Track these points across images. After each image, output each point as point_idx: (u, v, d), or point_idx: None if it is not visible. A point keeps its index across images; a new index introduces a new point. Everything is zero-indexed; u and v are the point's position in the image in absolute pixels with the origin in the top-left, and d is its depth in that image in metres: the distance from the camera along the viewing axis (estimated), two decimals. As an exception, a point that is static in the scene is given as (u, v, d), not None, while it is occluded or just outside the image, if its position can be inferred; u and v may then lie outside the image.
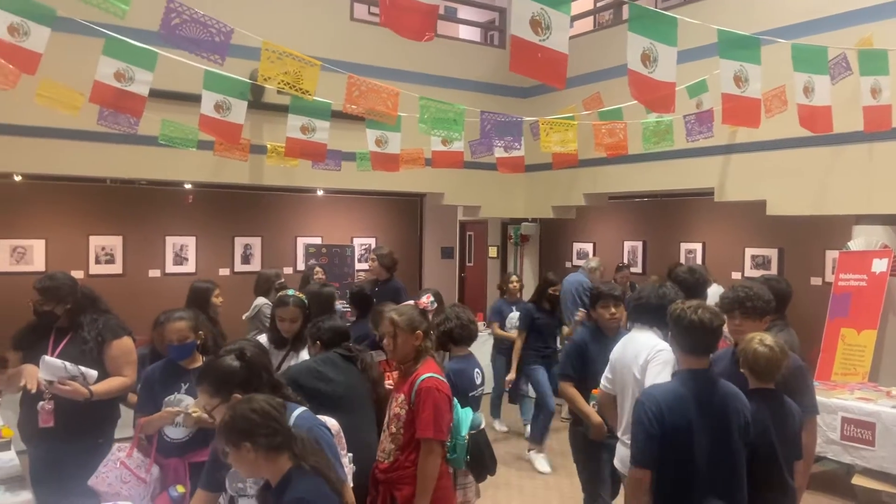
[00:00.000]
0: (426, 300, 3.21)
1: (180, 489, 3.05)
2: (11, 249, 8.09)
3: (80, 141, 6.67)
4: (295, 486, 2.15)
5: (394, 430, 3.09)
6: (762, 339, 2.92)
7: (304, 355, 3.79)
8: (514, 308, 7.28)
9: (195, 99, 5.99)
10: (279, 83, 3.66)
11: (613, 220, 10.44)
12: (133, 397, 4.02)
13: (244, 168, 7.49)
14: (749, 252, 8.79)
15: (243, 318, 6.41)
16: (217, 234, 9.31)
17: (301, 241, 9.82)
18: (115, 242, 8.67)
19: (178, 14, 3.23)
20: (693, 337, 2.80)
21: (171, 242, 9.03)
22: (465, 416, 3.33)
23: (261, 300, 6.28)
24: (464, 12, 10.79)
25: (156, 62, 4.36)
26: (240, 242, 9.48)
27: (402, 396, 3.09)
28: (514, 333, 6.93)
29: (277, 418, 2.22)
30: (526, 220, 10.00)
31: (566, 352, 4.17)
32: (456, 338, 3.75)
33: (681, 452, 2.71)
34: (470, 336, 3.77)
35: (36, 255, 8.20)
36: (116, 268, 8.64)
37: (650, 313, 3.46)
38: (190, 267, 9.12)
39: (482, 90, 8.91)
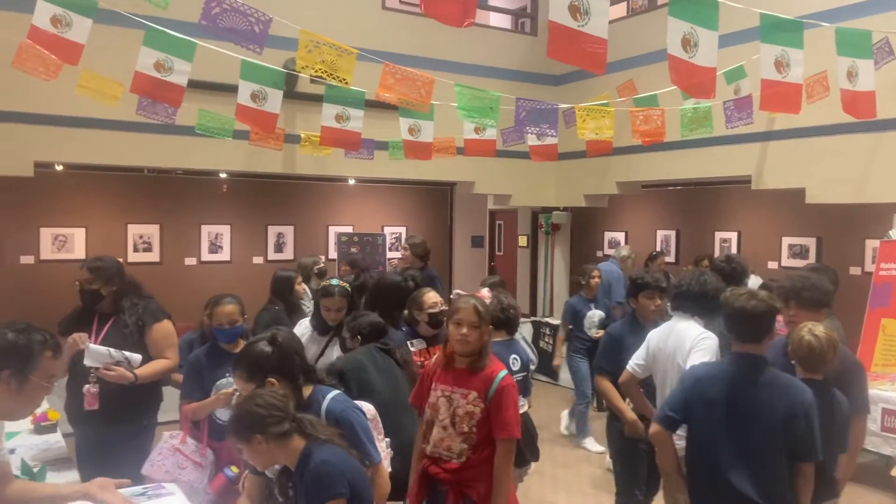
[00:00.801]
0: (487, 293, 3.15)
1: (235, 469, 3.11)
2: (53, 238, 8.29)
3: (119, 131, 6.78)
4: (316, 456, 2.22)
5: (466, 429, 2.93)
6: (812, 329, 2.90)
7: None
8: (592, 306, 6.66)
9: (231, 89, 6.05)
10: (316, 71, 3.68)
11: (646, 209, 10.32)
12: (178, 377, 4.12)
13: (278, 157, 7.56)
14: (786, 241, 8.64)
15: None
16: (251, 223, 9.43)
17: (333, 230, 9.90)
18: (152, 231, 8.83)
19: (219, 3, 3.27)
20: (738, 323, 2.83)
21: (207, 231, 9.17)
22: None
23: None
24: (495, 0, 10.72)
25: (194, 53, 4.42)
26: (273, 231, 9.59)
27: (473, 394, 2.95)
28: (598, 333, 6.30)
29: (282, 406, 2.28)
30: (557, 208, 9.94)
31: (602, 345, 4.08)
32: (496, 323, 3.73)
33: (703, 425, 2.80)
34: (509, 322, 3.73)
35: (77, 243, 8.40)
36: (154, 256, 8.80)
37: (692, 301, 3.44)
38: (225, 255, 9.27)
39: (513, 78, 8.86)
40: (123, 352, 3.39)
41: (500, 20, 10.84)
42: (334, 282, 4.02)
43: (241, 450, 2.25)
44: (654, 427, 2.94)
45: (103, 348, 3.37)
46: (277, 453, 2.25)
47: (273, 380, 2.43)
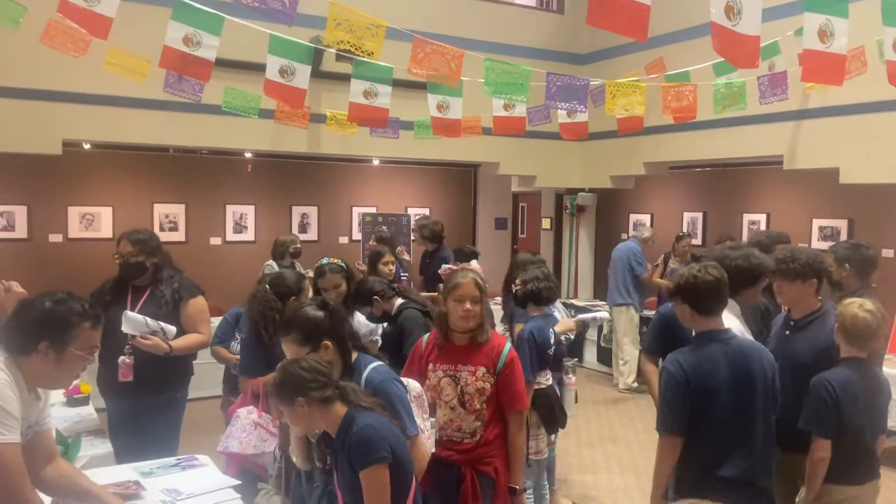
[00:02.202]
0: (478, 266, 3.11)
1: None
2: (81, 216, 8.37)
3: (146, 109, 6.80)
4: (359, 420, 2.22)
5: (477, 406, 2.90)
6: (862, 304, 2.82)
7: (358, 317, 3.81)
8: None
9: (257, 67, 6.03)
10: (345, 45, 3.63)
11: (672, 191, 10.18)
12: (223, 351, 4.14)
13: (302, 137, 7.54)
14: (817, 223, 8.47)
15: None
16: (275, 204, 9.44)
17: (356, 211, 9.89)
18: (177, 210, 8.88)
19: (248, -27, 3.23)
20: (705, 298, 2.74)
21: (231, 211, 9.20)
22: None
23: (268, 264, 6.45)
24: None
25: (222, 27, 4.39)
26: (297, 211, 9.60)
27: (482, 369, 2.91)
28: None
29: (326, 372, 2.28)
30: (582, 190, 9.84)
31: (652, 324, 3.87)
32: (542, 297, 3.78)
33: (705, 411, 2.67)
34: (552, 297, 3.81)
35: (104, 222, 8.47)
36: (179, 235, 8.85)
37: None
38: (249, 235, 9.30)
39: (539, 56, 8.72)
40: (160, 322, 3.41)
41: (526, -1, 10.70)
42: (325, 260, 3.92)
43: (283, 412, 2.24)
44: (671, 438, 2.70)
45: (140, 317, 3.40)
46: (318, 418, 2.24)
47: (328, 343, 2.43)
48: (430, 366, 2.99)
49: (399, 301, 3.99)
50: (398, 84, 5.04)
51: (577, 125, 5.54)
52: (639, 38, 2.84)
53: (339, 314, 2.61)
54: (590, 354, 8.71)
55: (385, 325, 3.86)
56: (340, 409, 2.25)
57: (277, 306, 3.49)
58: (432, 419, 2.89)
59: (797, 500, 2.89)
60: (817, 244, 8.36)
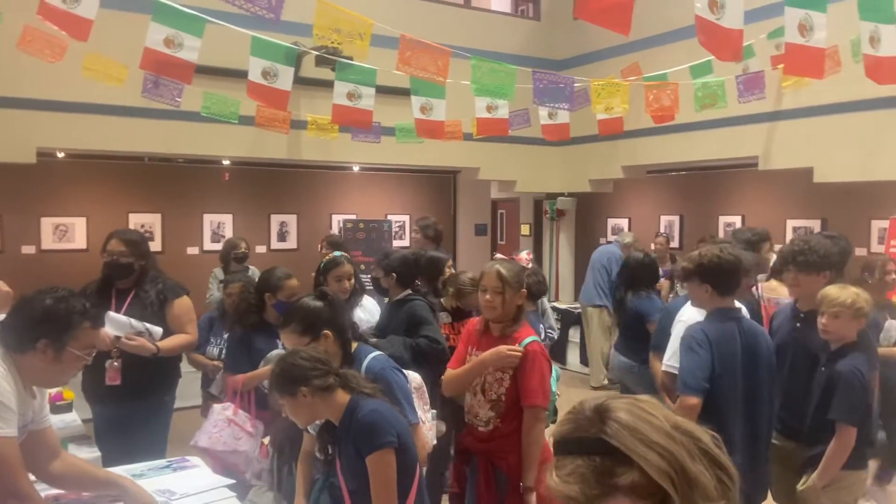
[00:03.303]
0: (526, 256, 3.04)
1: None
2: (54, 227, 8.21)
3: (123, 117, 6.72)
4: (363, 406, 2.20)
5: (494, 396, 2.88)
6: (844, 286, 2.89)
7: (367, 303, 3.83)
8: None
9: (235, 74, 6.02)
10: (333, 42, 3.63)
11: (650, 195, 10.31)
12: (199, 357, 4.10)
13: (282, 143, 7.50)
14: (791, 224, 8.62)
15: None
16: (254, 212, 9.36)
17: (336, 219, 9.84)
18: (153, 220, 8.75)
19: (235, -29, 3.21)
20: (726, 277, 2.84)
21: (209, 220, 9.09)
22: (556, 372, 3.30)
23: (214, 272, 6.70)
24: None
25: (203, 29, 4.36)
26: (276, 220, 9.52)
27: None
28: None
29: (326, 360, 2.27)
30: (562, 194, 9.91)
31: (661, 323, 3.86)
32: (534, 293, 3.78)
33: (717, 386, 2.74)
34: (542, 291, 3.82)
35: (78, 233, 8.31)
36: (156, 245, 8.70)
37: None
38: (227, 244, 9.18)
39: (516, 62, 8.60)
40: (145, 323, 3.35)
41: (501, 5, 10.79)
42: (337, 253, 4.05)
43: (285, 405, 2.22)
44: (693, 400, 2.73)
45: (124, 318, 3.34)
46: (322, 407, 2.22)
47: (329, 332, 2.41)
48: (470, 348, 3.01)
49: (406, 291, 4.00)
50: (379, 90, 5.06)
51: (559, 126, 5.59)
52: (622, 32, 2.88)
53: (338, 304, 2.60)
54: (573, 356, 8.75)
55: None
56: (343, 396, 2.23)
57: (252, 299, 3.56)
58: (433, 411, 2.89)
59: (799, 487, 2.91)
60: (792, 244, 8.52)
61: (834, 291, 2.88)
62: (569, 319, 8.71)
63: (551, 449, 3.02)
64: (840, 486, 2.85)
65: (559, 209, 9.97)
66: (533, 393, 2.83)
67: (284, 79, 4.60)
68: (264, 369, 3.30)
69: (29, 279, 7.72)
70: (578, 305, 8.58)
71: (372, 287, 4.27)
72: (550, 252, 10.42)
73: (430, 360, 3.54)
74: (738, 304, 3.03)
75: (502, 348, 2.81)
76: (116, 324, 3.30)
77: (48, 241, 8.18)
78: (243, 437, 3.25)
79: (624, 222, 10.47)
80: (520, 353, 2.80)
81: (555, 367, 3.56)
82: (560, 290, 10.22)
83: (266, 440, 3.13)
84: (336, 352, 2.46)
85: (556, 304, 9.06)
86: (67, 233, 8.29)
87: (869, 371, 2.84)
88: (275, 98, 4.58)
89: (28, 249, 8.12)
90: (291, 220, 9.62)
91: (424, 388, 2.81)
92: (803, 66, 3.53)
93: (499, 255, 3.14)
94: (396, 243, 9.63)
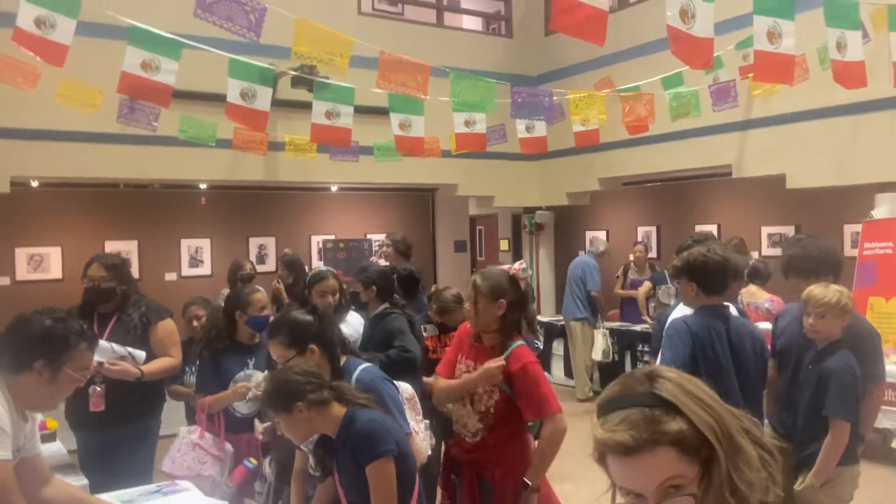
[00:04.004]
0: (518, 266, 2.83)
1: (254, 461, 3.08)
2: (28, 258, 8.09)
3: (98, 143, 6.67)
4: (360, 417, 2.19)
5: (483, 408, 2.79)
6: (827, 286, 2.94)
7: (351, 318, 3.83)
8: None
9: (210, 98, 6.02)
10: (311, 60, 3.65)
11: (626, 207, 10.43)
12: (180, 388, 4.03)
13: (259, 165, 7.49)
14: (765, 230, 8.78)
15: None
16: (232, 236, 9.31)
17: (315, 239, 9.81)
18: (130, 247, 8.65)
19: (213, -9, 3.23)
20: (704, 276, 2.89)
21: (187, 245, 9.03)
22: None
23: (222, 292, 6.45)
24: (468, 2, 10.82)
25: (181, 52, 4.36)
26: (254, 243, 9.48)
27: None
28: None
29: (318, 374, 2.27)
30: (540, 208, 10.00)
31: (655, 332, 3.82)
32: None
33: (711, 372, 2.76)
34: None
35: (52, 263, 8.20)
36: (133, 272, 8.55)
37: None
38: (206, 269, 9.12)
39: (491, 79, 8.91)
40: (127, 348, 3.31)
41: (472, 23, 10.92)
42: (323, 268, 4.06)
43: (280, 422, 2.20)
44: None
45: (107, 343, 3.29)
46: (318, 421, 2.20)
47: (314, 347, 2.40)
48: (460, 356, 2.95)
49: (383, 305, 4.00)
50: (357, 110, 5.08)
51: (537, 140, 5.65)
52: (598, 42, 2.94)
53: (326, 318, 2.60)
54: (557, 369, 8.77)
55: None
56: (339, 409, 2.22)
57: (220, 323, 3.54)
58: (426, 421, 2.86)
59: (796, 487, 2.93)
60: (767, 251, 8.66)
61: (818, 291, 2.92)
62: (552, 332, 8.75)
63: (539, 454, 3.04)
64: (836, 482, 2.88)
65: (538, 223, 10.04)
66: (547, 403, 2.70)
67: (263, 99, 4.60)
68: (231, 391, 3.28)
69: (4, 311, 7.62)
70: (561, 318, 8.64)
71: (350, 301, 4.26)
72: (531, 266, 10.48)
73: (401, 369, 3.50)
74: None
75: (489, 367, 2.74)
76: (99, 350, 3.25)
77: (23, 272, 8.06)
78: (209, 462, 3.20)
79: (602, 234, 10.57)
80: (502, 364, 2.71)
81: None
82: (542, 302, 10.27)
83: (252, 461, 3.09)
84: (324, 366, 2.44)
85: (539, 318, 9.09)
86: (42, 263, 8.17)
87: (858, 366, 2.88)
88: (253, 119, 4.59)
89: (2, 281, 7.99)
90: (270, 242, 9.58)
91: (416, 399, 2.80)
92: (773, 73, 3.62)
93: (504, 267, 2.96)
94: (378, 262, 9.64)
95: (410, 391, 2.80)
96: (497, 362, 2.71)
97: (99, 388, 3.30)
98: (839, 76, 3.81)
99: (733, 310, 3.12)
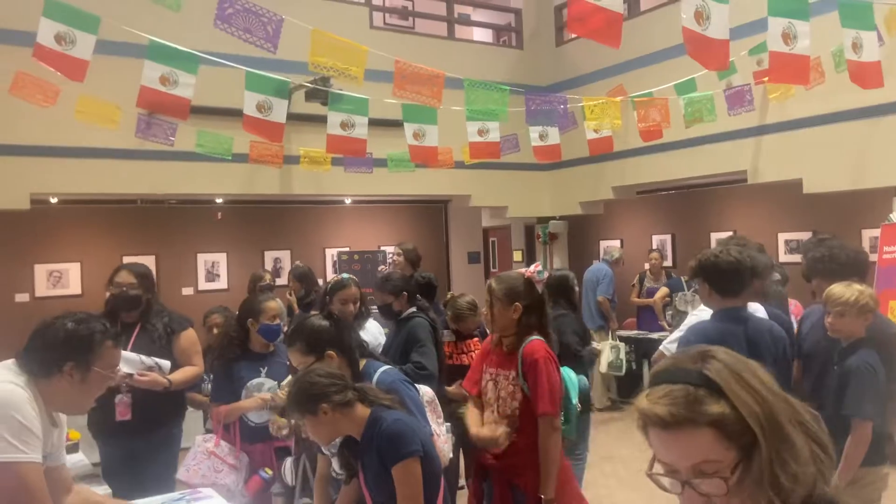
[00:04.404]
0: (534, 269, 2.84)
1: (269, 471, 3.08)
2: (48, 274, 8.16)
3: (116, 159, 6.75)
4: (386, 418, 2.19)
5: (508, 411, 2.78)
6: (849, 284, 2.91)
7: (370, 326, 3.84)
8: None
9: (227, 113, 6.09)
10: (328, 70, 3.70)
11: (641, 215, 10.39)
12: (197, 396, 4.05)
13: (275, 179, 7.55)
14: (782, 237, 8.71)
15: None
16: (247, 250, 9.36)
17: (329, 252, 9.85)
18: (148, 262, 8.56)
19: (231, 4, 3.28)
20: (718, 278, 2.86)
21: (203, 259, 9.08)
22: (574, 381, 3.19)
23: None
24: (478, 15, 10.90)
25: (198, 66, 4.43)
26: (270, 256, 9.52)
27: (513, 373, 2.79)
28: None
29: (341, 375, 2.27)
30: (553, 218, 9.99)
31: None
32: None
33: None
34: None
35: (72, 279, 8.27)
36: (151, 287, 8.67)
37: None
38: (222, 283, 9.17)
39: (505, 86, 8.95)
40: (153, 358, 3.35)
41: (482, 35, 10.99)
42: (345, 275, 4.06)
43: (306, 424, 2.20)
44: None
45: (134, 355, 3.34)
46: (343, 423, 2.20)
47: (332, 353, 2.40)
48: (484, 367, 2.94)
49: (411, 309, 4.02)
50: (371, 122, 5.14)
51: (550, 147, 5.66)
52: (613, 45, 2.96)
53: (343, 324, 2.61)
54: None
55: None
56: (363, 410, 2.22)
57: (233, 331, 3.56)
58: (448, 424, 2.85)
59: None
60: (784, 258, 8.59)
61: (838, 290, 2.91)
62: (568, 342, 8.69)
63: (569, 463, 3.00)
64: (862, 483, 2.84)
65: (551, 233, 10.03)
66: (540, 401, 2.69)
67: (279, 111, 4.66)
68: (248, 401, 3.30)
69: (24, 328, 7.68)
70: (575, 328, 8.57)
71: (380, 313, 4.27)
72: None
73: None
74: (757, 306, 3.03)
75: (482, 436, 2.78)
76: (127, 361, 3.30)
77: (42, 288, 8.13)
78: (224, 470, 3.20)
79: (616, 244, 10.53)
80: (496, 436, 2.74)
81: (579, 376, 3.51)
82: (557, 313, 10.23)
83: (268, 471, 3.11)
84: (344, 370, 2.45)
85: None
86: (61, 279, 8.24)
87: (881, 365, 2.85)
88: (270, 130, 4.64)
89: (21, 297, 8.06)
90: (285, 255, 9.62)
91: (437, 402, 2.79)
92: (788, 74, 3.61)
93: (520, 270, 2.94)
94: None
95: (431, 394, 2.79)
96: (491, 435, 2.76)
97: (126, 398, 3.33)
98: (855, 76, 3.80)
99: (763, 311, 3.08)
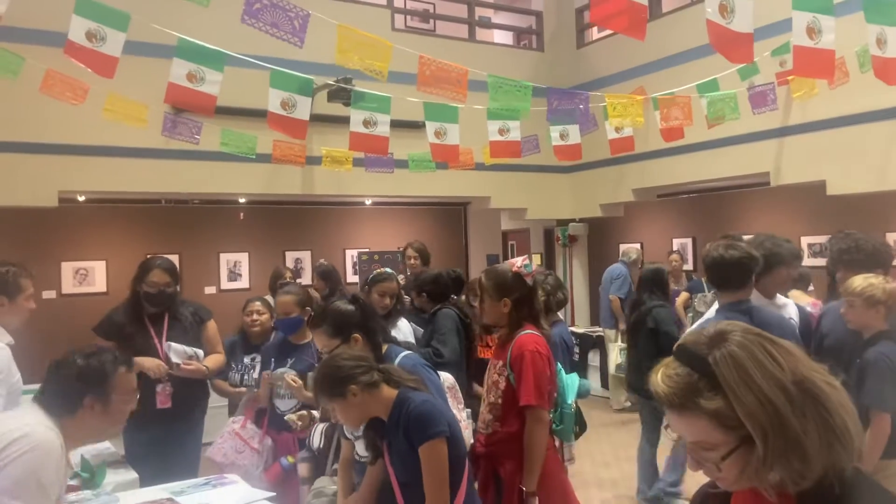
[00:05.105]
0: (521, 263, 2.82)
1: (290, 459, 3.12)
2: (74, 271, 8.31)
3: (142, 158, 6.86)
4: (413, 398, 2.21)
5: (492, 399, 2.82)
6: (867, 276, 2.89)
7: (402, 324, 3.89)
8: None
9: (250, 113, 6.17)
10: (354, 63, 3.75)
11: (661, 219, 10.35)
12: (222, 384, 4.12)
13: (297, 179, 7.62)
14: (805, 241, 8.62)
15: None
16: (269, 250, 9.45)
17: (349, 253, 9.92)
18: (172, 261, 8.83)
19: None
20: (721, 273, 2.89)
21: (225, 259, 9.19)
22: (571, 382, 3.21)
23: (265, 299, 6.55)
24: (499, 17, 10.94)
25: (223, 64, 4.50)
26: (291, 256, 9.61)
27: (500, 363, 2.85)
28: None
29: (366, 357, 2.31)
30: (573, 220, 9.98)
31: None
32: (550, 306, 3.81)
33: None
34: (563, 302, 3.86)
35: (98, 276, 8.40)
36: (174, 286, 8.79)
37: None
38: (244, 283, 9.26)
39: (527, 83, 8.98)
40: (192, 348, 3.49)
41: (503, 37, 11.03)
42: (388, 269, 4.19)
43: (335, 408, 2.23)
44: None
45: (178, 345, 3.51)
46: (371, 404, 2.23)
47: (358, 336, 2.44)
48: (491, 358, 3.03)
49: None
50: (392, 123, 5.18)
51: (571, 147, 5.66)
52: (638, 36, 2.97)
53: (369, 308, 2.66)
54: (593, 380, 8.71)
55: None
56: (389, 391, 2.25)
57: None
58: (468, 410, 2.89)
59: None
60: (808, 261, 8.50)
61: (853, 281, 2.92)
62: (587, 343, 8.71)
63: (558, 457, 3.01)
64: (882, 476, 2.81)
65: (571, 235, 10.02)
66: (525, 393, 2.69)
67: (302, 109, 4.72)
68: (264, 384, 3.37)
69: (51, 324, 7.87)
70: (594, 330, 8.62)
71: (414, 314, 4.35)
72: (564, 278, 10.44)
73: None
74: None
75: None
76: (177, 352, 3.45)
77: (69, 286, 8.27)
78: (245, 451, 3.30)
79: (636, 247, 10.48)
80: None
81: (579, 378, 3.51)
82: (576, 314, 10.22)
83: (289, 459, 3.17)
84: (367, 353, 2.49)
85: (573, 329, 9.05)
86: (88, 276, 8.38)
87: None
88: (294, 127, 4.70)
89: (49, 294, 8.19)
90: (306, 256, 9.70)
91: (457, 388, 2.83)
92: (813, 69, 3.60)
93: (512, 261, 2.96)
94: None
95: (451, 380, 2.83)
96: None
97: (168, 388, 3.42)
98: (880, 72, 3.78)
99: (792, 309, 3.05)
